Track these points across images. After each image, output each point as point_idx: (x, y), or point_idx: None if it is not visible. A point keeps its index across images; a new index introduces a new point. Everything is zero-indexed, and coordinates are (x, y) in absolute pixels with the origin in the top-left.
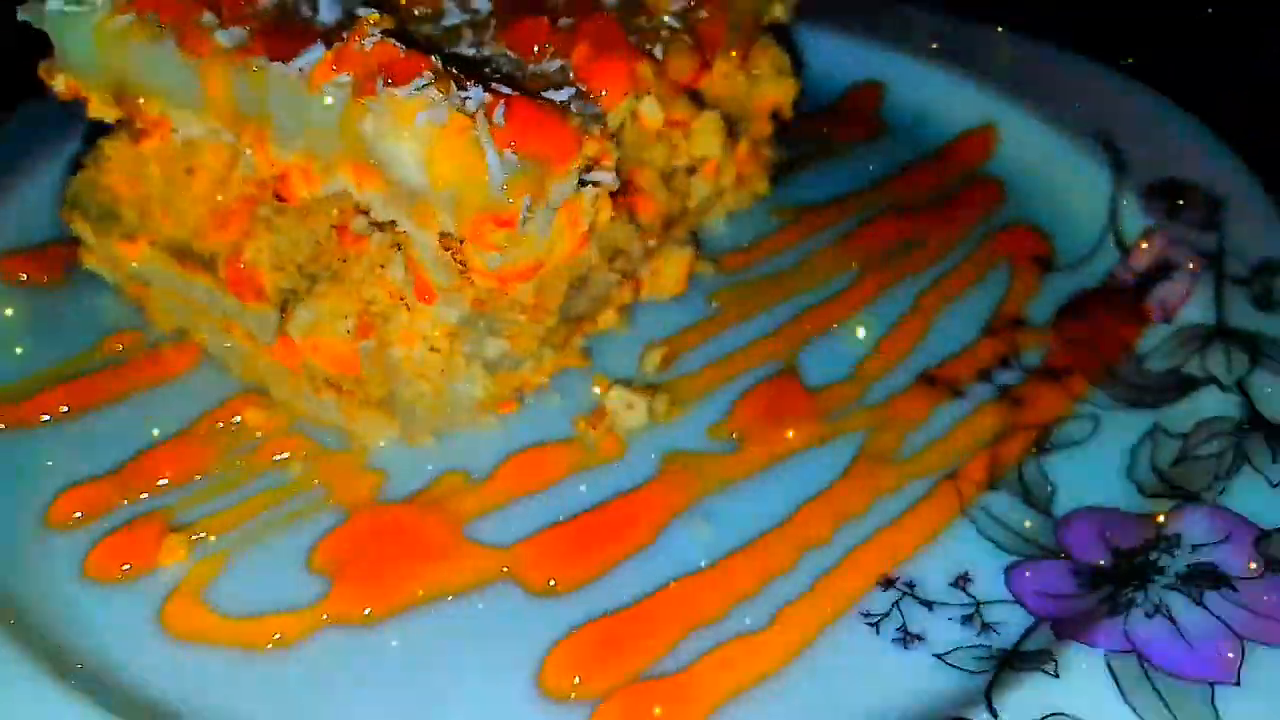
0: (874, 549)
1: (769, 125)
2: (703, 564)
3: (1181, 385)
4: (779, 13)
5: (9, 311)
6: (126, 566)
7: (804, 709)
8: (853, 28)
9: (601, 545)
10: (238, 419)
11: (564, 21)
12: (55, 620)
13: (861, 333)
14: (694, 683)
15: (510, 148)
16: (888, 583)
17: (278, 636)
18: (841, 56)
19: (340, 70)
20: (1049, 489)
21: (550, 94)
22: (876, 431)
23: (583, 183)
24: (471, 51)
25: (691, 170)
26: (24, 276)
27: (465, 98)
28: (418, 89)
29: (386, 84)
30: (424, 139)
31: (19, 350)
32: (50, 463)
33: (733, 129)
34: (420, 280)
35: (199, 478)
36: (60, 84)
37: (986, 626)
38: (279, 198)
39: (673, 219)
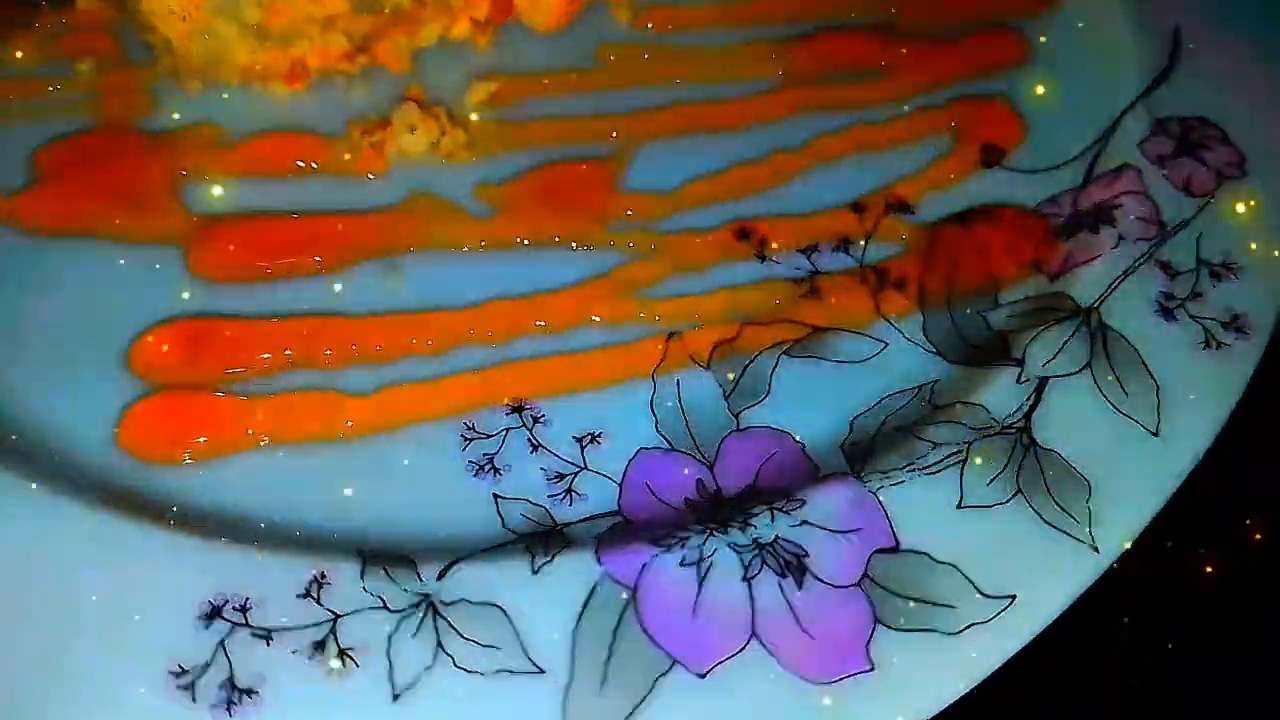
0: (528, 370)
1: None
2: (360, 311)
3: (989, 354)
4: None
5: None
6: None
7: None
8: None
9: (283, 251)
10: None
11: None
12: None
13: (719, 152)
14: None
15: None
16: (516, 409)
17: None
18: None
19: None
20: (761, 393)
21: None
22: (641, 260)
23: None
24: None
25: None
26: None
27: None
28: None
29: None
30: None
31: None
32: None
33: None
34: None
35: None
36: None
37: (571, 492)
38: None
39: None
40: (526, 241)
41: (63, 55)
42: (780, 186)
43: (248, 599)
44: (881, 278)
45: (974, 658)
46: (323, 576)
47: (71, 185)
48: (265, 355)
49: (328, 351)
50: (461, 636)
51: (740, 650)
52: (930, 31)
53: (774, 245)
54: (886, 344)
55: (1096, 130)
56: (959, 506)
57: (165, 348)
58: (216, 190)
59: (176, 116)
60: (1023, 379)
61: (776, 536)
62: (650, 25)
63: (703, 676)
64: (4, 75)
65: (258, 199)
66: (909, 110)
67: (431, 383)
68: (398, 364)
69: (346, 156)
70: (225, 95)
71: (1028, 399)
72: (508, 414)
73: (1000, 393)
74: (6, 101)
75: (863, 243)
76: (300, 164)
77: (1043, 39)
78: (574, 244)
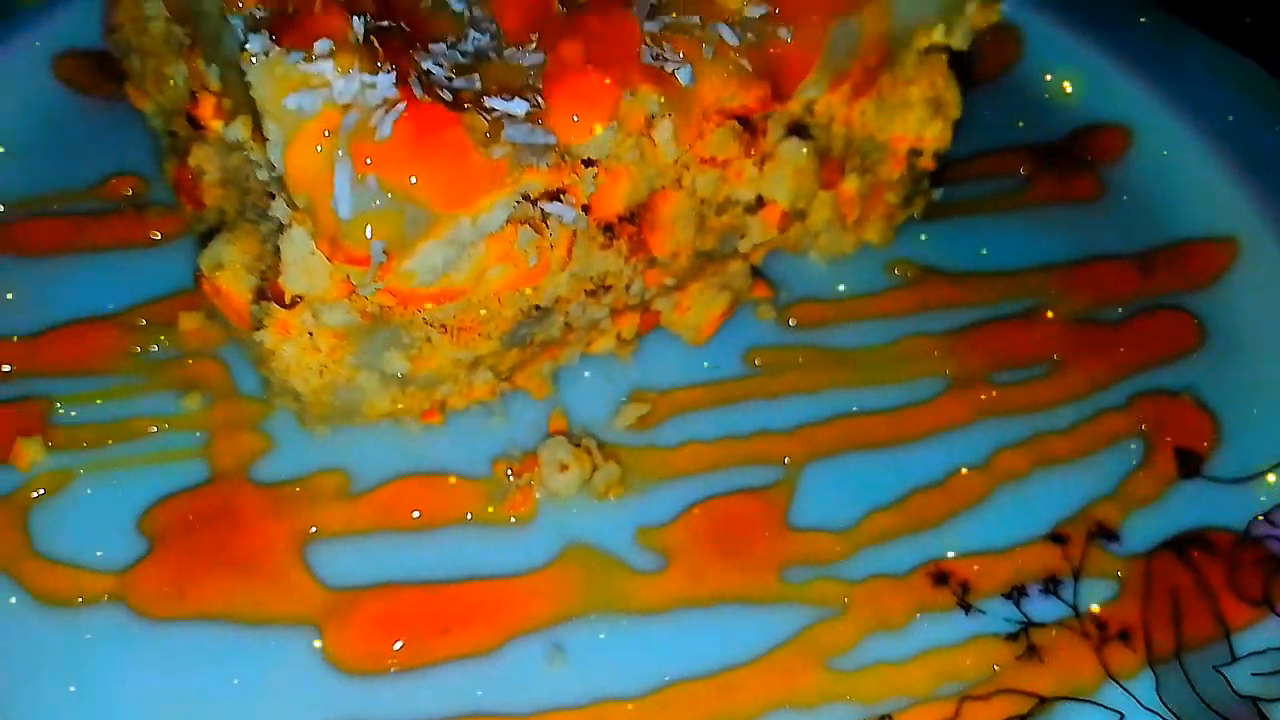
0: None
1: (902, 166)
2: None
3: None
4: (941, 38)
5: (44, 115)
6: None
7: None
8: (1113, 42)
9: (431, 632)
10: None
11: None
12: None
13: (893, 474)
14: None
15: (376, 173)
16: None
17: (76, 597)
18: (1085, 78)
19: (257, 1)
20: None
21: (500, 102)
22: (834, 619)
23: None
24: (459, 7)
25: (754, 208)
26: (73, 79)
27: (368, 85)
28: (316, 55)
29: (275, 38)
30: (288, 126)
31: (35, 161)
32: None
33: (842, 163)
34: (276, 276)
35: (99, 374)
36: None
37: None
38: (190, 118)
39: (711, 257)
40: (700, 603)
41: (169, 386)
42: (968, 512)
43: None
44: (1103, 629)
45: None
46: None
47: (185, 558)
48: None
49: None
50: None
51: None
52: (1093, 315)
53: (975, 590)
54: (1122, 715)
55: None
56: None
57: None
58: (345, 555)
59: (296, 463)
60: None
61: None
62: (793, 322)
63: None
64: (109, 418)
65: (392, 564)
66: (1090, 414)
67: None
68: None
69: (490, 509)
70: (351, 436)
71: None
72: None
73: None
74: (109, 448)
75: (1072, 581)
76: (440, 515)
77: (1215, 318)
78: (752, 601)
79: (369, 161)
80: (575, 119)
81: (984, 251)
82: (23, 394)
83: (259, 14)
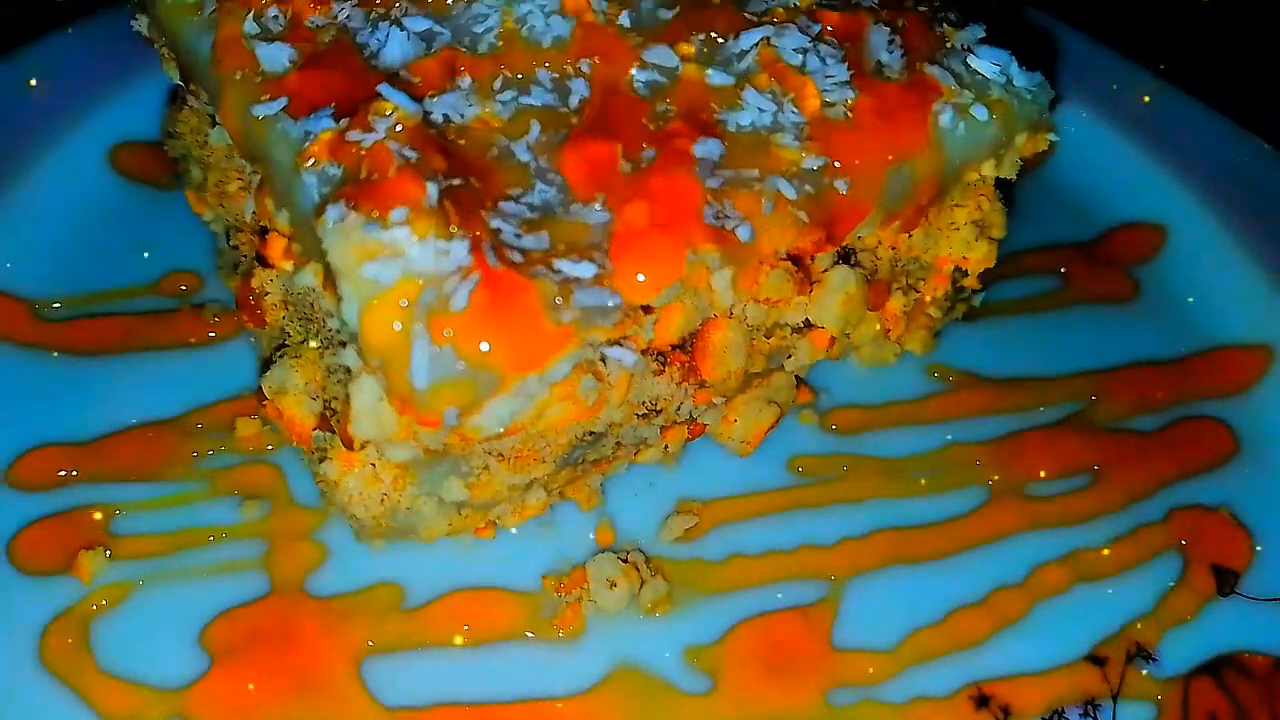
0: None
1: (947, 284)
2: None
3: None
4: (991, 172)
5: (101, 209)
6: (41, 567)
7: None
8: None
9: None
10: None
11: (646, 155)
12: None
13: (934, 590)
14: None
15: (452, 344)
16: None
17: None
18: (1119, 177)
19: (331, 158)
20: None
21: (568, 265)
22: None
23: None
24: (525, 158)
25: (802, 329)
26: (130, 170)
27: (443, 252)
28: (392, 223)
29: (353, 205)
30: (364, 293)
31: (93, 257)
32: (42, 403)
33: (889, 285)
34: (344, 421)
35: (159, 481)
36: (142, 23)
37: None
38: (259, 256)
39: (759, 375)
40: None
41: (227, 493)
42: (1008, 630)
43: None
44: None
45: None
46: None
47: (246, 676)
48: None
49: None
50: None
51: None
52: (1129, 423)
53: (1016, 713)
54: None
55: None
56: None
57: None
58: (401, 673)
59: (352, 576)
60: None
61: None
62: (835, 427)
63: None
64: (170, 527)
65: (447, 682)
66: (1129, 529)
67: None
68: None
69: (532, 633)
70: (404, 548)
71: None
72: None
73: None
74: (170, 558)
75: (1111, 704)
76: (492, 631)
77: (1249, 428)
78: None
79: (447, 334)
80: (641, 278)
81: (1022, 356)
82: (85, 502)
83: (332, 171)
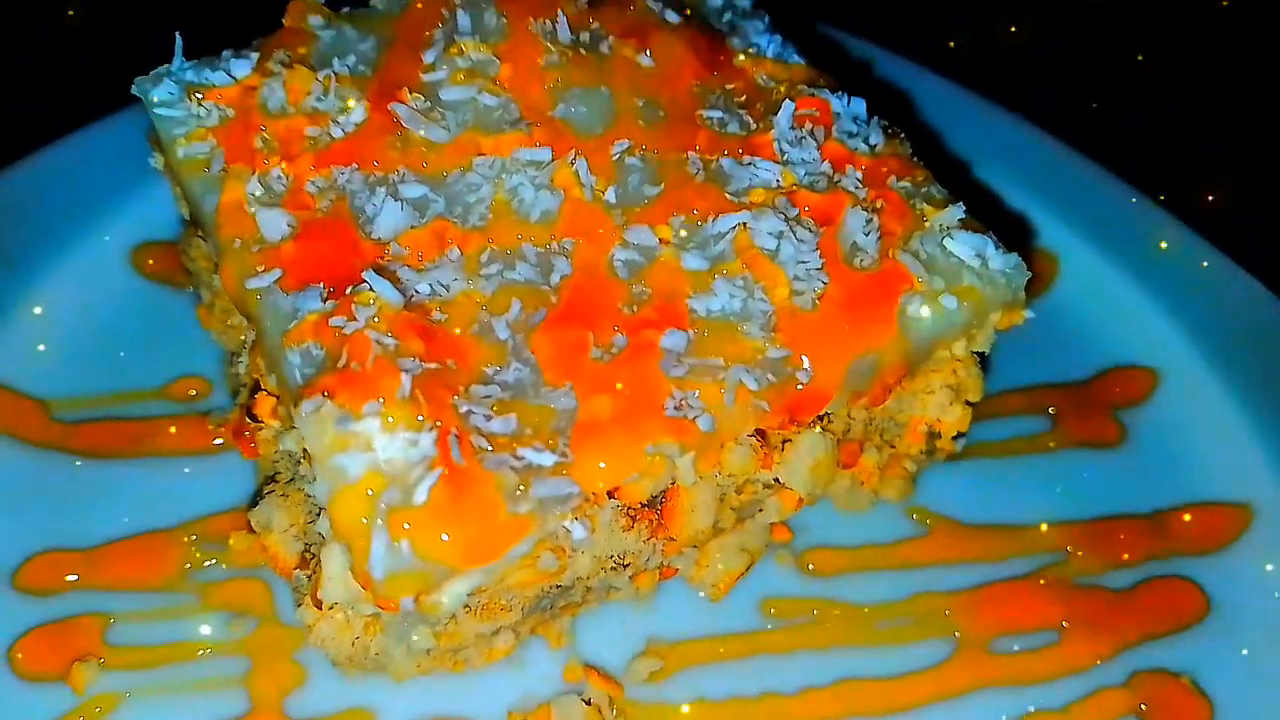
0: None
1: (921, 442)
2: None
3: None
4: (963, 350)
5: (118, 310)
6: (37, 673)
7: None
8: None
9: None
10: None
11: (618, 340)
12: None
13: None
14: None
15: (410, 537)
16: None
17: None
18: (1114, 316)
19: (315, 339)
20: None
21: (530, 453)
22: None
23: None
24: (504, 335)
25: (772, 486)
26: (149, 269)
27: (411, 442)
28: (365, 414)
29: (329, 395)
30: (334, 481)
31: (105, 359)
32: (49, 506)
33: (861, 444)
34: (315, 584)
35: (154, 591)
36: (158, 160)
37: None
38: (249, 412)
39: (729, 526)
40: None
41: (218, 607)
42: None
43: None
44: None
45: None
46: None
47: None
48: None
49: None
50: None
51: None
52: (1101, 579)
53: None
54: None
55: None
56: None
57: None
58: None
59: (327, 700)
60: None
61: None
62: (812, 567)
63: None
64: (160, 640)
65: None
66: (1090, 690)
67: None
68: None
69: None
70: (379, 678)
71: None
72: None
73: None
74: (158, 671)
75: None
76: None
77: (1221, 591)
78: None
79: (406, 527)
80: (601, 465)
81: (1004, 501)
82: (83, 609)
83: (315, 351)
